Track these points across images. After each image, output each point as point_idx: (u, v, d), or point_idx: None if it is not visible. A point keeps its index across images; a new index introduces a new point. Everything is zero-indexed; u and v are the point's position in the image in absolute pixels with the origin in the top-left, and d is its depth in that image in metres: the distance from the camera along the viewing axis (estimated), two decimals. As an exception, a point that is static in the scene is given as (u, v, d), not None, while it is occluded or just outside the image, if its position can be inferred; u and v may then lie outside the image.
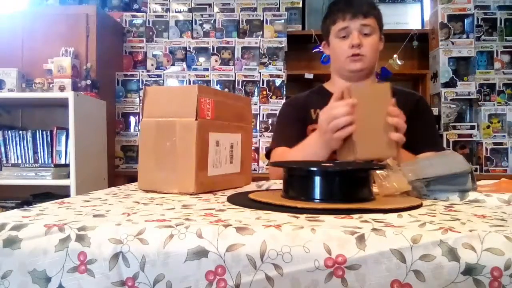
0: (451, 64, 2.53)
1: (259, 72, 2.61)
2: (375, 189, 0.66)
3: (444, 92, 2.52)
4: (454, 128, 2.50)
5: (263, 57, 2.63)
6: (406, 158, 1.01)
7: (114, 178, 2.51)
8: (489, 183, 0.83)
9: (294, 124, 1.29)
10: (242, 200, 0.64)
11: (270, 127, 2.54)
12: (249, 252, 0.42)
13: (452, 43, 2.53)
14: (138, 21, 2.73)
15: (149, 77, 2.66)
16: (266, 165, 2.50)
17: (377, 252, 0.41)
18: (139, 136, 1.00)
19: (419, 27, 2.78)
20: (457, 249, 0.41)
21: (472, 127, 2.50)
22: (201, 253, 0.42)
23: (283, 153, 1.22)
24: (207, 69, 2.65)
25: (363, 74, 1.27)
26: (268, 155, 1.33)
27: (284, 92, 2.59)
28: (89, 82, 2.25)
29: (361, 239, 0.42)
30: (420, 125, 1.19)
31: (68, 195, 1.93)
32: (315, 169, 0.62)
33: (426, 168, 0.70)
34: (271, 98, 2.58)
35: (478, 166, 2.48)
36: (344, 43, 1.23)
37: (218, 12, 2.73)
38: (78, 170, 2.03)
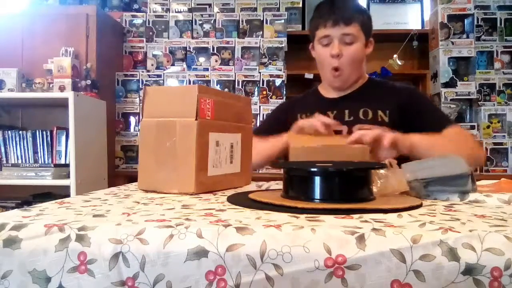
0: (451, 64, 2.53)
1: (259, 72, 2.61)
2: (375, 189, 0.66)
3: (444, 92, 2.52)
4: (454, 128, 2.50)
5: (263, 57, 2.63)
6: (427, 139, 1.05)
7: (114, 178, 2.50)
8: (489, 183, 0.83)
9: (274, 124, 1.34)
10: (242, 200, 0.64)
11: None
12: (249, 252, 0.42)
13: (452, 43, 2.53)
14: (138, 21, 2.73)
15: (149, 77, 2.66)
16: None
17: (377, 252, 0.41)
18: (139, 136, 1.00)
19: (419, 27, 2.78)
20: (457, 249, 0.41)
21: (472, 127, 2.50)
22: (201, 253, 0.42)
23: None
24: (207, 69, 2.65)
25: (346, 87, 1.28)
26: None
27: (284, 92, 2.59)
28: (89, 82, 2.25)
29: (361, 239, 0.42)
30: (422, 115, 1.20)
31: (68, 195, 1.93)
32: (315, 169, 0.62)
33: (426, 169, 0.70)
34: (271, 98, 2.58)
35: (478, 166, 2.48)
36: (326, 51, 1.22)
37: (218, 12, 2.73)
38: (78, 170, 2.03)
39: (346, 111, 1.25)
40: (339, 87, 1.27)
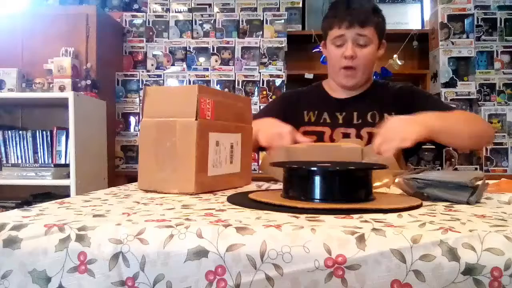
0: (451, 64, 2.53)
1: (259, 72, 2.61)
2: (375, 190, 0.67)
3: (444, 92, 2.52)
4: (454, 128, 2.50)
5: (263, 57, 2.63)
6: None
7: (114, 178, 2.50)
8: (489, 183, 0.83)
9: (274, 114, 1.22)
10: (242, 200, 0.64)
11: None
12: (249, 252, 0.42)
13: (452, 43, 2.53)
14: (138, 21, 2.73)
15: (149, 77, 2.66)
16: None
17: (377, 252, 0.41)
18: (139, 136, 1.00)
19: (419, 27, 2.78)
20: (457, 249, 0.41)
21: (472, 127, 2.49)
22: (201, 253, 0.42)
23: None
24: (207, 69, 2.65)
25: (356, 88, 1.27)
26: None
27: (284, 92, 2.60)
28: (89, 82, 2.25)
29: (361, 239, 0.42)
30: (428, 110, 1.20)
31: (68, 195, 1.93)
32: (315, 169, 0.62)
33: (429, 173, 0.69)
34: (271, 98, 2.58)
35: (478, 166, 2.48)
36: (339, 51, 1.20)
37: (218, 12, 2.73)
38: (78, 170, 2.03)
39: (355, 113, 1.24)
40: (350, 87, 1.25)
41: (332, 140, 1.21)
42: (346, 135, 1.21)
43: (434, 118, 1.03)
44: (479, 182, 0.65)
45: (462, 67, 2.53)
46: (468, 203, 0.64)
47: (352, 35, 1.17)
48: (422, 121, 0.99)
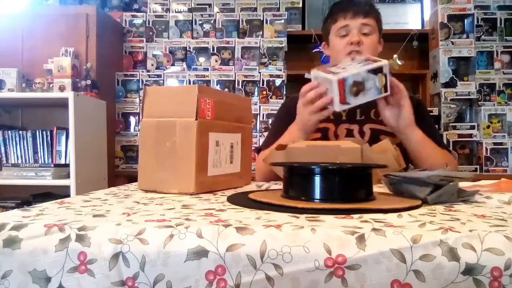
0: (451, 64, 2.53)
1: (259, 72, 2.61)
2: (375, 188, 0.67)
3: (444, 92, 2.52)
4: (454, 128, 2.50)
5: (263, 57, 2.63)
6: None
7: (114, 178, 2.50)
8: (489, 183, 0.83)
9: (286, 127, 1.21)
10: (242, 200, 0.64)
11: (270, 127, 2.54)
12: (249, 252, 0.42)
13: (452, 43, 2.53)
14: (138, 21, 2.73)
15: (149, 77, 2.66)
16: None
17: (377, 252, 0.41)
18: (139, 136, 1.00)
19: (419, 27, 2.78)
20: (457, 249, 0.41)
21: (472, 127, 2.50)
22: (201, 253, 0.42)
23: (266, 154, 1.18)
24: (207, 69, 2.65)
25: None
26: (258, 152, 1.32)
27: (284, 92, 2.59)
28: (89, 82, 2.25)
29: (361, 239, 0.42)
30: (423, 129, 1.20)
31: (68, 195, 1.93)
32: (315, 169, 0.62)
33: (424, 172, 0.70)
34: (271, 98, 2.58)
35: (478, 166, 2.48)
36: (344, 40, 1.24)
37: (218, 12, 2.73)
38: (78, 170, 2.03)
39: (358, 110, 1.26)
40: None
41: (336, 136, 1.22)
42: (349, 131, 1.22)
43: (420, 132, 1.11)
44: (451, 183, 0.62)
45: (462, 67, 2.53)
46: (426, 201, 0.62)
47: (357, 25, 1.22)
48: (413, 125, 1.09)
